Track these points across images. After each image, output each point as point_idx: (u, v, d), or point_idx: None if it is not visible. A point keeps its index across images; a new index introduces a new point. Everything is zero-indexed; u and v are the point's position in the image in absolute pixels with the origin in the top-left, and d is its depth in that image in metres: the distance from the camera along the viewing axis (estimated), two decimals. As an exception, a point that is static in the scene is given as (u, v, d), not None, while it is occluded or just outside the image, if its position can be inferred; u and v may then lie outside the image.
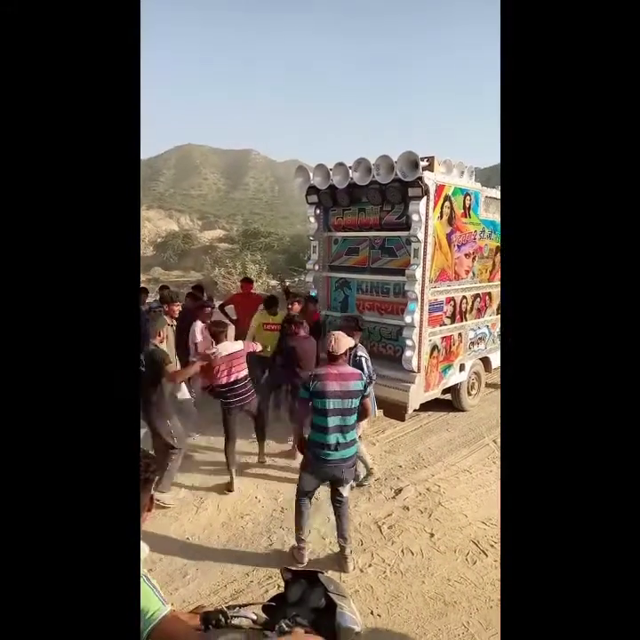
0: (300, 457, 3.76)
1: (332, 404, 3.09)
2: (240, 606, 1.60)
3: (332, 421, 3.10)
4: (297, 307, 5.58)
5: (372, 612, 2.90)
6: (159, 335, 4.16)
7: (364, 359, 4.20)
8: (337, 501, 3.28)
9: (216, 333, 4.33)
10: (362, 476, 4.42)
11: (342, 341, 3.22)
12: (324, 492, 3.66)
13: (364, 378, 3.29)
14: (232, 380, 4.26)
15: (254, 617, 1.56)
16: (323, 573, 1.68)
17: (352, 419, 3.17)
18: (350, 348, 4.20)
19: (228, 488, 4.33)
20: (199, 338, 5.28)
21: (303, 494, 3.32)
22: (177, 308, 5.14)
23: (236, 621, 1.54)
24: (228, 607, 1.58)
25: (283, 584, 1.68)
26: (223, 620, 1.50)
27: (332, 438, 3.11)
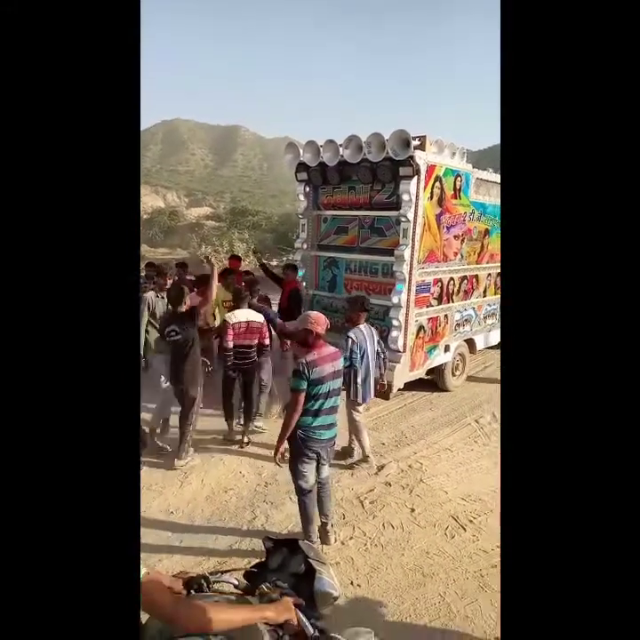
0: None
1: (328, 386, 3.02)
2: (222, 572, 1.63)
3: (327, 403, 3.05)
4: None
5: (352, 583, 2.97)
6: (185, 303, 4.34)
7: (350, 340, 4.12)
8: (319, 483, 3.24)
9: (239, 298, 4.66)
10: (355, 459, 4.45)
11: (324, 319, 3.09)
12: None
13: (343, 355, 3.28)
14: (238, 344, 4.55)
15: (236, 582, 1.59)
16: (303, 541, 1.71)
17: (339, 398, 3.16)
18: (353, 326, 4.28)
19: (227, 437, 4.76)
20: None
21: (306, 491, 3.15)
22: (169, 281, 5.23)
23: (217, 586, 1.57)
24: (211, 573, 1.61)
25: (263, 556, 1.71)
26: (205, 584, 1.53)
27: (326, 420, 3.07)
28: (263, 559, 1.71)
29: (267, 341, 4.78)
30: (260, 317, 4.64)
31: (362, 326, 4.25)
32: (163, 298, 5.00)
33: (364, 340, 4.18)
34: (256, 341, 4.65)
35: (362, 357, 4.16)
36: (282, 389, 5.21)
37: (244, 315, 4.59)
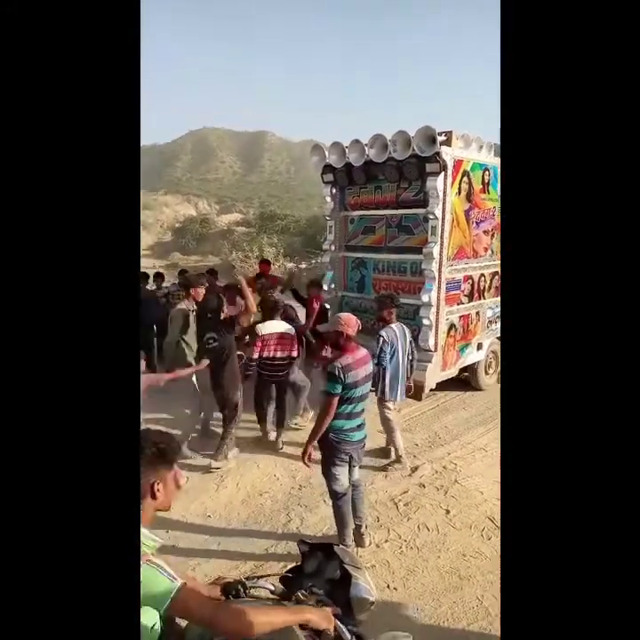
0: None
1: (360, 390, 3.00)
2: (258, 578, 1.65)
3: (359, 407, 3.05)
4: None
5: (388, 586, 2.94)
6: (223, 311, 4.50)
7: (381, 339, 4.15)
8: (351, 485, 3.18)
9: (273, 309, 4.69)
10: (391, 459, 4.42)
11: (355, 320, 3.05)
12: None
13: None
14: (266, 355, 4.57)
15: (272, 588, 1.60)
16: (338, 545, 1.71)
17: (367, 401, 3.16)
18: (384, 325, 4.31)
19: (273, 447, 4.72)
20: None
21: (341, 494, 3.09)
22: (201, 292, 4.85)
23: (254, 592, 1.58)
24: (247, 578, 1.63)
25: (299, 560, 1.72)
26: (242, 590, 1.55)
27: (357, 421, 3.07)
28: (299, 563, 1.72)
29: (295, 353, 4.75)
30: (291, 328, 4.67)
31: (394, 325, 4.28)
32: (192, 311, 4.76)
33: (395, 339, 4.21)
34: (288, 353, 4.65)
35: (392, 356, 4.19)
36: (311, 397, 5.22)
37: (275, 326, 4.59)
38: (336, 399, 2.92)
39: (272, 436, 4.84)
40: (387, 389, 4.23)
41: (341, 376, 2.88)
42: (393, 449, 4.43)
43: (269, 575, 1.72)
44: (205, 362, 4.34)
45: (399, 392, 4.30)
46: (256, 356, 4.55)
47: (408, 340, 4.34)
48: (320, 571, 1.63)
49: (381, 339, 4.16)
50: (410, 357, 4.39)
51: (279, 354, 4.61)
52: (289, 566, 3.04)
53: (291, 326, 4.70)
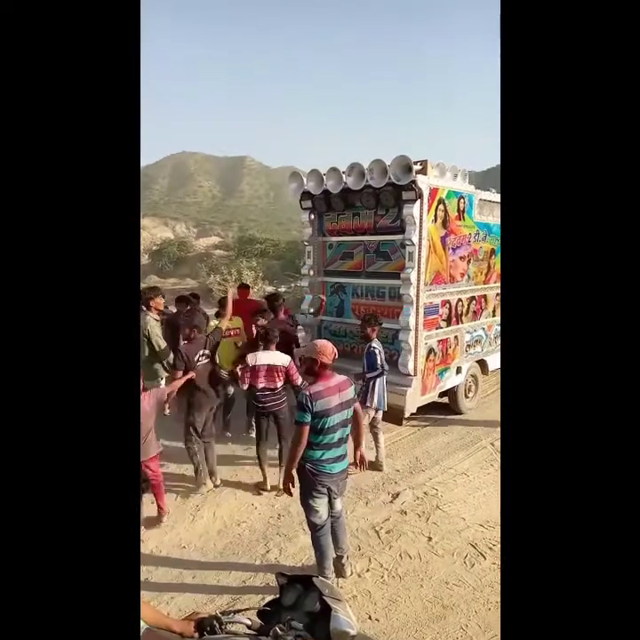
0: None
1: (335, 419, 2.89)
2: (234, 612, 1.59)
3: (335, 437, 2.93)
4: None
5: (370, 617, 2.87)
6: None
7: (377, 351, 4.56)
8: (332, 516, 3.10)
9: (265, 339, 4.45)
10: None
11: (331, 348, 3.00)
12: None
13: (353, 384, 3.15)
14: (261, 387, 4.37)
15: (249, 622, 1.55)
16: (317, 577, 1.67)
17: (348, 429, 3.04)
18: (367, 342, 4.66)
19: (261, 487, 4.43)
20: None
21: (319, 527, 3.02)
22: (160, 301, 5.45)
23: (230, 627, 1.52)
24: (223, 613, 1.57)
25: (278, 592, 1.67)
26: (217, 626, 1.49)
27: (336, 452, 2.97)
28: (277, 596, 1.67)
29: (299, 381, 4.49)
30: (284, 360, 4.40)
31: (375, 342, 4.66)
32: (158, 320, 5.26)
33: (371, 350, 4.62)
34: (280, 383, 4.41)
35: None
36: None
37: (264, 358, 4.35)
38: (305, 428, 2.86)
39: (271, 476, 4.47)
40: (375, 398, 4.58)
41: (308, 404, 2.82)
42: (376, 455, 4.76)
43: (247, 609, 1.65)
44: (192, 374, 4.26)
45: (384, 401, 4.70)
46: (245, 387, 4.41)
47: (375, 356, 4.71)
48: (299, 603, 1.58)
49: (377, 350, 4.57)
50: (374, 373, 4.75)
51: (271, 385, 4.37)
52: (268, 599, 2.95)
53: (285, 357, 4.44)
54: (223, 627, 1.50)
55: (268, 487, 4.41)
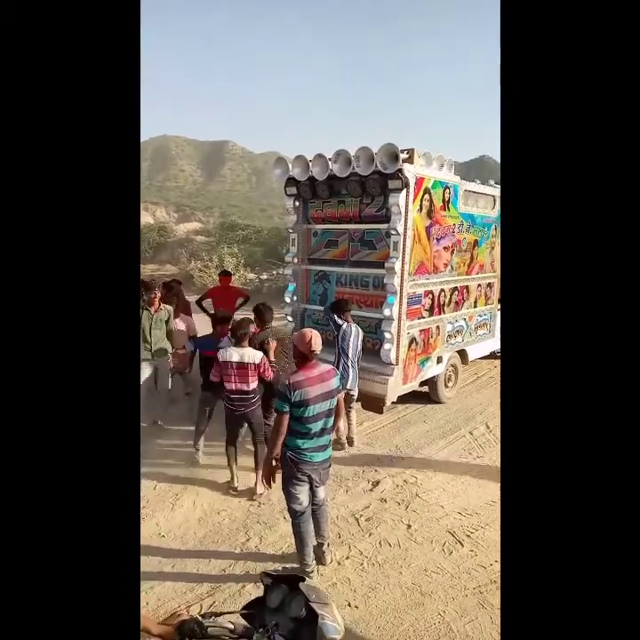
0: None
1: (316, 409, 2.88)
2: (216, 615, 1.54)
3: (317, 426, 2.92)
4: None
5: (349, 604, 2.89)
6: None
7: (342, 329, 4.77)
8: (314, 504, 3.11)
9: (238, 335, 4.13)
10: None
11: (319, 339, 2.96)
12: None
13: (338, 374, 3.13)
14: (232, 388, 4.11)
15: (231, 626, 1.50)
16: (304, 583, 1.56)
17: (332, 419, 3.03)
18: (337, 326, 4.79)
19: (230, 486, 4.25)
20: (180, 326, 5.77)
21: (299, 514, 3.02)
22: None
23: (212, 631, 1.48)
24: (204, 615, 1.52)
25: (259, 581, 1.63)
26: (198, 630, 1.45)
27: (318, 442, 2.96)
28: (260, 596, 1.62)
29: (270, 376, 4.21)
30: (255, 357, 4.11)
31: (351, 325, 4.86)
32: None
33: (350, 335, 4.81)
34: (253, 385, 4.13)
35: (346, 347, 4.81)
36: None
37: (236, 354, 4.07)
38: (285, 416, 2.87)
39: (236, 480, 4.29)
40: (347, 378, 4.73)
41: (287, 393, 2.82)
42: (347, 430, 4.98)
43: (229, 612, 1.60)
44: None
45: (351, 380, 4.83)
46: (215, 381, 4.15)
47: (360, 339, 4.89)
48: (284, 607, 1.54)
49: (341, 328, 4.77)
50: (358, 357, 4.93)
51: (243, 387, 4.10)
52: (248, 589, 2.94)
53: (257, 353, 4.15)
54: (205, 631, 1.46)
55: (236, 485, 4.23)
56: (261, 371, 4.12)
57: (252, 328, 4.46)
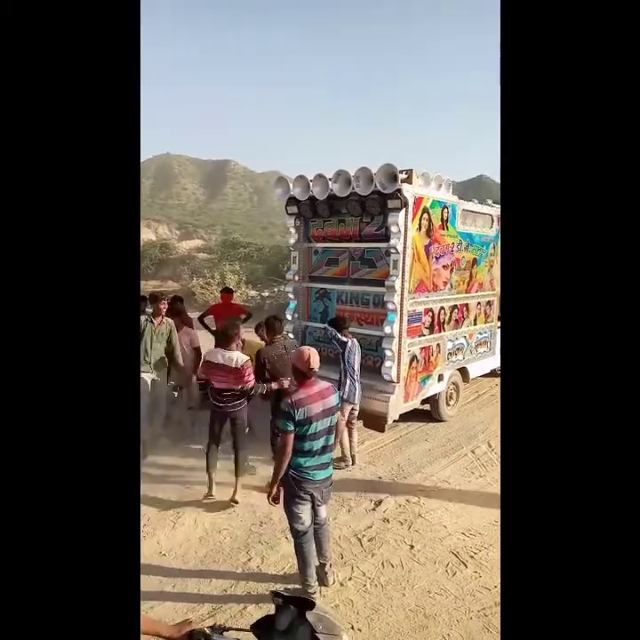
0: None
1: (319, 426, 2.90)
2: (225, 629, 1.53)
3: (319, 443, 2.94)
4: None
5: (352, 627, 2.86)
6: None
7: (347, 346, 4.76)
8: (316, 524, 3.10)
9: (227, 337, 4.28)
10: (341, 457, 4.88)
11: (317, 356, 3.00)
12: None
13: (337, 391, 3.16)
14: (217, 388, 4.27)
15: None
16: (312, 611, 1.51)
17: (332, 437, 3.05)
18: (342, 343, 4.80)
19: (207, 496, 4.26)
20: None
21: (302, 534, 3.00)
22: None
23: None
24: (213, 628, 1.52)
25: (264, 600, 1.62)
26: None
27: (320, 459, 2.97)
28: (269, 614, 1.60)
29: (250, 382, 4.24)
30: (240, 359, 4.18)
31: (354, 341, 4.89)
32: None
33: (354, 351, 4.85)
34: (239, 386, 4.21)
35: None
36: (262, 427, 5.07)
37: (220, 356, 4.21)
38: (290, 436, 2.86)
39: (214, 489, 4.28)
40: (346, 390, 4.73)
41: (291, 412, 2.83)
42: (350, 448, 4.98)
43: (238, 629, 1.59)
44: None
45: (357, 396, 4.85)
46: (200, 376, 4.39)
47: (359, 354, 4.91)
48: (291, 632, 1.52)
49: (347, 345, 4.76)
50: (359, 372, 4.95)
51: (229, 386, 4.21)
52: (249, 610, 2.91)
53: (242, 356, 4.23)
54: None
55: (213, 493, 4.23)
56: (244, 374, 4.21)
57: (242, 330, 4.75)
